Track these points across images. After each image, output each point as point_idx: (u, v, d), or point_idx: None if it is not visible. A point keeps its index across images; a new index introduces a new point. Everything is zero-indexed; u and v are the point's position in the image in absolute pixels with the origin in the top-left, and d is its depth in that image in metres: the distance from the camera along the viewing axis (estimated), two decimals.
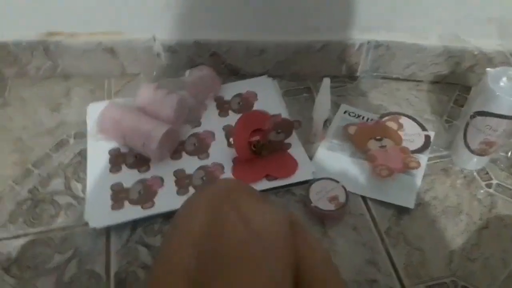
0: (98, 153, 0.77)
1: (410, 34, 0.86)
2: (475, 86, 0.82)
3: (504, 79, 0.64)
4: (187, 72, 0.84)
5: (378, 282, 0.62)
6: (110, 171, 0.74)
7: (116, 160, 0.76)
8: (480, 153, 0.72)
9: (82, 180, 0.75)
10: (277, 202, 0.70)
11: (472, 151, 0.72)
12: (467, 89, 0.88)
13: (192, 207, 0.45)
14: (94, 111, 0.83)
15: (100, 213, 0.69)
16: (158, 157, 0.73)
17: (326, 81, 0.71)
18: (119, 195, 0.71)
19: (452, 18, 0.82)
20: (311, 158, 0.77)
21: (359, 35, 0.87)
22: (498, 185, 0.73)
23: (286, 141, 0.77)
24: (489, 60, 0.85)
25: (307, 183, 0.71)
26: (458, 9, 0.80)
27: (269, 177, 0.72)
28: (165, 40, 0.89)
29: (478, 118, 0.68)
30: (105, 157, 0.76)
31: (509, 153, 0.75)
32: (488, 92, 0.64)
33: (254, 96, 0.87)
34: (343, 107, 0.86)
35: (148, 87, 0.79)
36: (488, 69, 0.66)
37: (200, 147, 0.77)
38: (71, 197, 0.73)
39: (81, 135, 0.81)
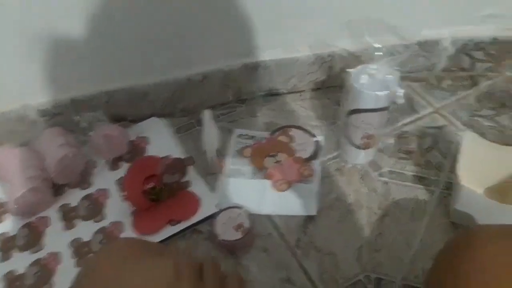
0: None
1: (283, 49, 0.89)
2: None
3: (365, 76, 0.68)
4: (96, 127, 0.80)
5: None
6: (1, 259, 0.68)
7: (4, 245, 0.69)
8: (365, 147, 0.76)
9: None
10: (183, 245, 0.68)
11: (358, 147, 0.76)
12: None
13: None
14: None
15: None
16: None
17: (207, 114, 0.71)
18: (12, 285, 0.64)
19: (318, 27, 0.86)
20: (216, 189, 0.76)
21: (235, 60, 0.88)
22: (389, 172, 0.78)
23: (185, 179, 0.76)
24: (357, 58, 0.90)
25: (213, 217, 0.70)
26: (322, 17, 0.84)
27: (172, 222, 0.70)
28: (39, 105, 0.84)
29: (353, 116, 0.72)
30: None
31: (392, 140, 0.80)
32: (354, 91, 0.68)
33: (145, 140, 0.85)
34: (236, 131, 0.87)
35: (52, 132, 0.77)
36: (348, 70, 0.70)
37: (94, 209, 0.73)
38: None
39: None
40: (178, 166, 0.74)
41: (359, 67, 0.71)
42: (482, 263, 0.41)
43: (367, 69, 0.69)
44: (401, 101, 0.67)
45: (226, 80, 0.91)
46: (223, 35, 0.84)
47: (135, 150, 0.83)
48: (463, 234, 0.49)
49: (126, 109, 0.89)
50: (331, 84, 0.95)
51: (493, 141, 0.79)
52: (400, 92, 0.67)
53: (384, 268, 0.64)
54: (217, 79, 0.90)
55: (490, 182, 0.73)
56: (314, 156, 0.80)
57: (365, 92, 0.67)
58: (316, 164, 0.78)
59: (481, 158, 0.71)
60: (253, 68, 0.90)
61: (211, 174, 0.79)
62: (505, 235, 0.44)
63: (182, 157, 0.79)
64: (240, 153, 0.82)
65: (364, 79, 0.68)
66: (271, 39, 0.87)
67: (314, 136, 0.84)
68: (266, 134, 0.86)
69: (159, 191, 0.72)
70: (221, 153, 0.79)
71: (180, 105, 0.92)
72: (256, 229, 0.69)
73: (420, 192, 0.74)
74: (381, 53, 0.69)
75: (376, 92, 0.67)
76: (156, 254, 0.46)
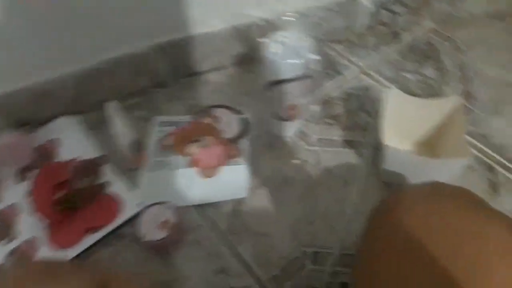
0: None
1: (195, 26, 0.83)
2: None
3: (275, 44, 0.64)
4: None
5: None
6: None
7: None
8: (291, 118, 0.72)
9: None
10: (106, 254, 0.63)
11: (283, 119, 0.72)
12: None
13: None
14: None
15: None
16: None
17: (111, 106, 0.65)
18: None
19: None
20: (137, 187, 0.70)
21: (145, 41, 0.81)
22: (318, 140, 0.75)
23: (101, 181, 0.69)
24: (276, 27, 0.86)
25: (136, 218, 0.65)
26: None
27: (91, 230, 0.64)
28: None
29: (274, 88, 0.68)
30: None
31: (318, 107, 0.77)
32: (267, 62, 0.64)
33: (56, 143, 0.76)
34: (156, 119, 0.81)
35: None
36: (258, 39, 0.65)
37: (4, 229, 0.66)
38: None
39: None
40: (90, 167, 0.67)
41: (271, 35, 0.66)
42: (409, 225, 0.41)
43: (279, 37, 0.65)
44: (316, 67, 0.64)
45: (138, 65, 0.83)
46: (128, 15, 0.76)
47: (45, 156, 0.74)
48: (391, 198, 0.47)
49: (30, 111, 0.80)
50: (253, 56, 0.90)
51: (419, 95, 0.79)
52: (315, 58, 0.63)
53: (320, 240, 0.62)
54: (128, 65, 0.82)
55: (418, 137, 0.73)
56: (241, 134, 0.76)
57: (278, 62, 0.63)
58: (245, 143, 0.74)
59: (406, 114, 0.70)
60: (167, 48, 0.83)
61: (131, 170, 0.73)
62: (431, 197, 0.43)
63: (95, 156, 0.72)
64: (162, 142, 0.76)
65: (276, 48, 0.64)
66: (181, 15, 0.81)
67: (240, 113, 0.79)
68: (189, 118, 0.80)
69: (73, 197, 0.65)
70: (140, 145, 0.72)
71: (90, 99, 0.83)
72: (185, 223, 0.64)
73: (350, 156, 0.73)
74: (293, 19, 0.65)
75: (289, 61, 0.63)
76: (62, 277, 0.41)
